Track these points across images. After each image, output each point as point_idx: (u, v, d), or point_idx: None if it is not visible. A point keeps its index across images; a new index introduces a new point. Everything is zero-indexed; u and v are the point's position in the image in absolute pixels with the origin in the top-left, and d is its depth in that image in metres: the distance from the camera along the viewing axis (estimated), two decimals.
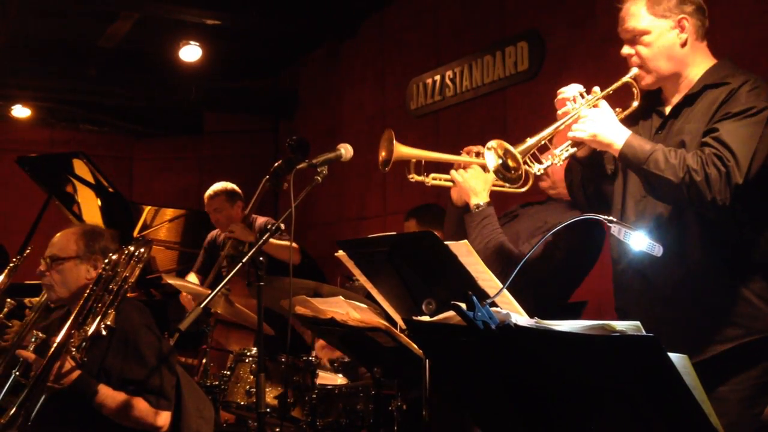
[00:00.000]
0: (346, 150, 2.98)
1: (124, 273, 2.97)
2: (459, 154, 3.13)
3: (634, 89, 2.58)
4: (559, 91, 2.56)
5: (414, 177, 3.06)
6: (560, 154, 2.56)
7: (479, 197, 3.01)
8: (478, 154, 3.09)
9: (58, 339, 2.81)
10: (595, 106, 2.49)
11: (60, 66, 8.01)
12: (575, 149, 2.58)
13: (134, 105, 8.99)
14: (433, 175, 3.10)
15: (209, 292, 3.11)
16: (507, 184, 2.59)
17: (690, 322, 2.44)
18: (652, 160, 2.34)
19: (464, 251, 2.43)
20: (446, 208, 3.33)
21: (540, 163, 2.60)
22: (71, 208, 7.08)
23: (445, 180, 3.11)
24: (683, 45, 2.50)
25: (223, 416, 4.38)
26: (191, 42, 7.47)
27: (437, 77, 6.40)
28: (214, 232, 5.74)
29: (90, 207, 7.12)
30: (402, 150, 3.01)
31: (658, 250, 2.25)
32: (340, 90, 7.89)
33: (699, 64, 2.53)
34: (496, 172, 2.52)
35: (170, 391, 2.93)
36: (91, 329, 2.84)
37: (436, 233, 2.51)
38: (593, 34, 5.02)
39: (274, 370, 3.94)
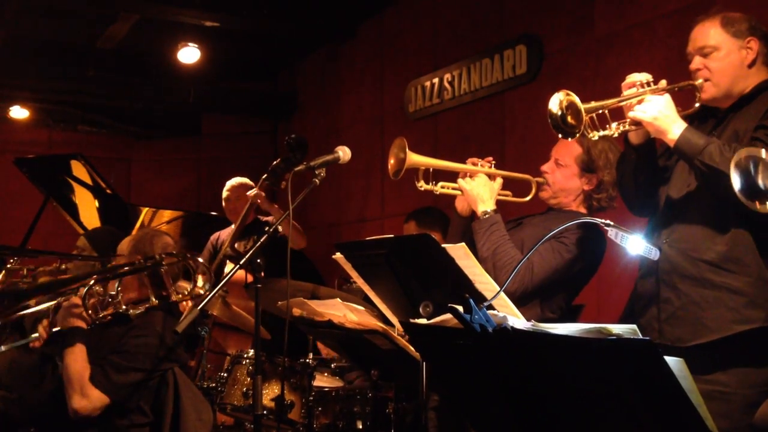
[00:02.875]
0: (344, 152, 2.98)
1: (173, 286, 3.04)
2: (464, 162, 3.17)
3: (697, 93, 2.68)
4: (628, 75, 2.65)
5: (423, 185, 3.12)
6: (617, 127, 2.63)
7: (486, 204, 3.06)
8: (486, 164, 3.14)
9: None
10: (660, 95, 2.57)
11: (58, 67, 8.00)
12: (631, 128, 2.66)
13: (133, 106, 8.99)
14: (441, 183, 3.16)
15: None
16: (559, 133, 2.59)
17: (717, 301, 2.53)
18: (707, 152, 2.45)
19: (461, 254, 2.44)
20: (451, 219, 3.35)
21: (597, 131, 2.65)
22: (69, 210, 7.07)
23: (453, 189, 3.16)
24: (750, 65, 2.64)
25: (219, 418, 4.38)
26: (190, 44, 7.47)
27: (435, 80, 6.40)
28: (218, 233, 5.74)
29: (88, 208, 7.11)
30: (414, 158, 3.05)
31: (654, 254, 2.28)
32: (338, 92, 7.89)
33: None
34: (551, 119, 2.56)
35: (122, 387, 2.88)
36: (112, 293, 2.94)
37: (433, 236, 2.52)
38: (591, 39, 5.03)
39: (271, 372, 3.94)
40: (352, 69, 7.69)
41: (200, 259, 3.06)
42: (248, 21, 7.20)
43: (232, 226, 5.67)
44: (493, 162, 3.18)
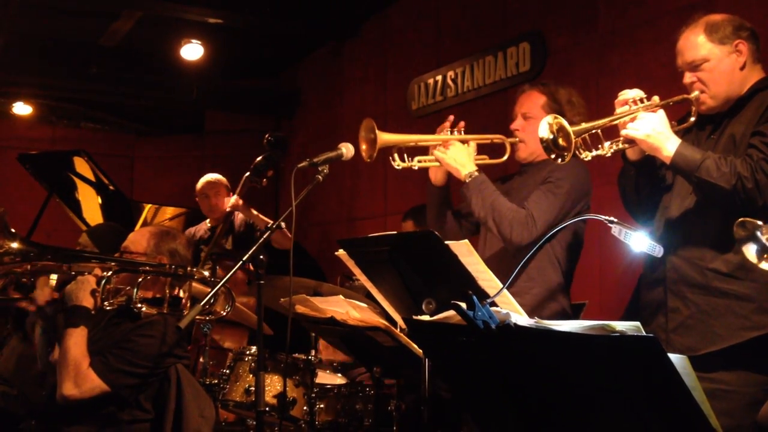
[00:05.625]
0: (347, 149, 2.97)
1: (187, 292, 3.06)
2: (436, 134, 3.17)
3: (693, 107, 2.66)
4: (621, 92, 2.64)
5: (399, 164, 3.10)
6: (610, 146, 2.63)
7: (467, 167, 3.06)
8: (456, 131, 3.13)
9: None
10: (653, 111, 2.55)
11: (62, 64, 8.00)
12: (624, 146, 2.65)
13: (135, 103, 9.00)
14: (418, 158, 3.15)
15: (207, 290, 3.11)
16: (551, 155, 2.61)
17: (726, 309, 2.53)
18: (704, 168, 2.44)
19: (464, 251, 2.44)
20: (426, 191, 3.33)
21: (590, 150, 2.65)
22: (72, 206, 7.08)
23: (430, 161, 3.15)
24: (742, 68, 2.62)
25: (222, 415, 4.38)
26: (193, 40, 7.47)
27: (439, 77, 6.40)
28: (192, 229, 5.74)
29: (91, 205, 7.13)
30: (384, 137, 3.04)
31: (658, 251, 2.28)
32: (341, 90, 7.89)
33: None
34: (543, 143, 2.57)
35: (121, 378, 2.87)
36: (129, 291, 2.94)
37: (436, 233, 2.51)
38: (595, 36, 5.02)
39: (273, 368, 3.94)
40: (355, 66, 7.69)
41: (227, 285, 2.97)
42: (252, 18, 7.20)
43: (206, 222, 5.67)
44: (463, 128, 3.15)
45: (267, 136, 5.03)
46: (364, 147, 3.05)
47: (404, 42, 6.98)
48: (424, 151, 3.19)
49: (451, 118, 3.17)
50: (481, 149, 3.20)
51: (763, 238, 2.01)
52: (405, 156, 3.11)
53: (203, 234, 5.62)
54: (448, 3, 6.46)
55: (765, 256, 2.03)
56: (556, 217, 2.97)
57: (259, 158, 4.75)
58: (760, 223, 2.03)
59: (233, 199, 5.16)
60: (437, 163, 3.13)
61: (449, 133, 3.13)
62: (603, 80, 4.85)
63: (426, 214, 4.49)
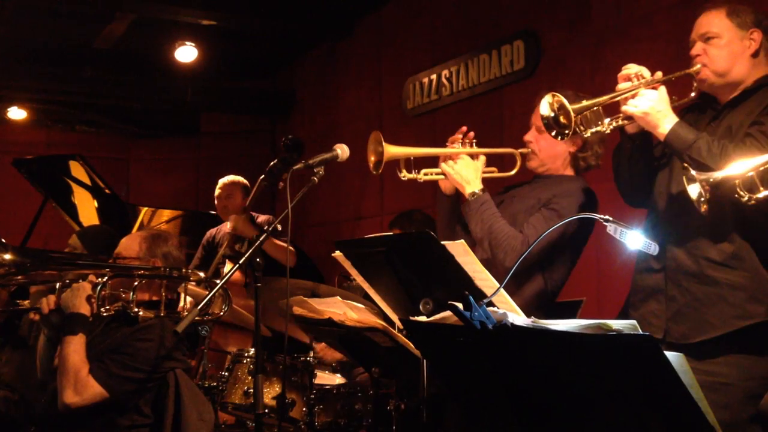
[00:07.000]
0: (342, 150, 2.98)
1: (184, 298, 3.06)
2: (446, 146, 3.15)
3: (694, 83, 2.68)
4: (624, 66, 2.66)
5: (405, 175, 3.08)
6: (610, 123, 2.65)
7: (473, 185, 3.03)
8: (467, 143, 3.12)
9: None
10: (654, 88, 2.57)
11: (56, 67, 8.00)
12: (624, 123, 2.67)
13: (130, 106, 8.99)
14: (424, 170, 3.12)
15: (206, 293, 3.11)
16: (551, 133, 2.62)
17: (719, 298, 2.55)
18: (695, 147, 2.47)
19: (461, 251, 2.43)
20: (437, 200, 3.33)
21: (589, 127, 2.66)
22: (68, 210, 7.07)
23: (437, 174, 3.13)
24: (752, 55, 2.64)
25: (221, 417, 4.38)
26: (187, 42, 7.46)
27: (433, 76, 6.40)
28: (213, 230, 5.73)
29: (87, 208, 7.11)
30: (391, 150, 3.03)
31: (654, 249, 2.28)
32: (336, 90, 7.89)
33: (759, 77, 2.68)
34: (544, 120, 2.59)
35: (122, 384, 2.87)
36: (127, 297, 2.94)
37: (432, 233, 2.51)
38: (589, 34, 5.03)
39: (272, 370, 3.94)
40: (349, 66, 7.68)
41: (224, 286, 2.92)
42: (245, 19, 7.20)
43: (227, 224, 5.67)
44: (474, 140, 3.13)
45: (283, 139, 5.04)
46: (372, 159, 3.04)
47: (398, 41, 6.98)
48: (431, 161, 3.17)
49: (463, 129, 3.14)
50: (491, 161, 3.19)
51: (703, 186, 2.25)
52: (412, 167, 3.09)
53: (223, 236, 5.61)
54: (442, 2, 6.46)
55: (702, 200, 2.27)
56: (549, 242, 2.95)
57: (274, 161, 4.77)
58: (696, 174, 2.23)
59: (230, 224, 5.17)
60: (443, 176, 3.11)
61: (460, 144, 3.11)
62: (597, 78, 4.86)
63: (414, 219, 4.51)
